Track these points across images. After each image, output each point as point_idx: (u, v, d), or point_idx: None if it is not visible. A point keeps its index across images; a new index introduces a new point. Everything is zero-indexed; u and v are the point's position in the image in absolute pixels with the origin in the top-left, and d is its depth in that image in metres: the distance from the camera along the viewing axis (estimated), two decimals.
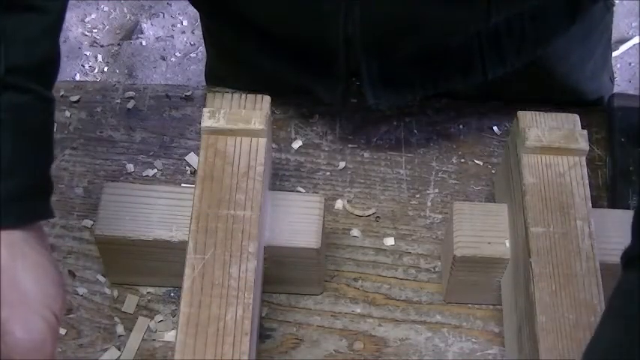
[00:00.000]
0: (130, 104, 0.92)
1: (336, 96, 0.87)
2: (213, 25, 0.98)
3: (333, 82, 0.86)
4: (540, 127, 0.77)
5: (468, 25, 0.80)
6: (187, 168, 0.88)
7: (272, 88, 0.87)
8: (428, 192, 0.88)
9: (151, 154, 0.89)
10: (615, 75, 1.13)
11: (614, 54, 2.03)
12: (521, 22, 0.83)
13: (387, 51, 0.82)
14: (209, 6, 0.89)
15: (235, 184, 0.73)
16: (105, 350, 0.77)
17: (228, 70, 1.02)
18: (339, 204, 0.86)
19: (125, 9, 2.14)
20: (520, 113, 0.78)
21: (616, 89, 1.02)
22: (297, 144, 0.90)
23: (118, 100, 0.93)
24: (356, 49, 0.81)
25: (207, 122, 0.75)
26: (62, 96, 0.92)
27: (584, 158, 0.76)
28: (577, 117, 0.79)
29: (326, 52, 0.83)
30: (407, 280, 0.82)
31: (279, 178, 0.88)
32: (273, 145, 0.88)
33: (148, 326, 0.78)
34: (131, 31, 2.10)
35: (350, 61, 0.83)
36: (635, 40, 2.10)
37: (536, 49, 0.87)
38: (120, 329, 0.78)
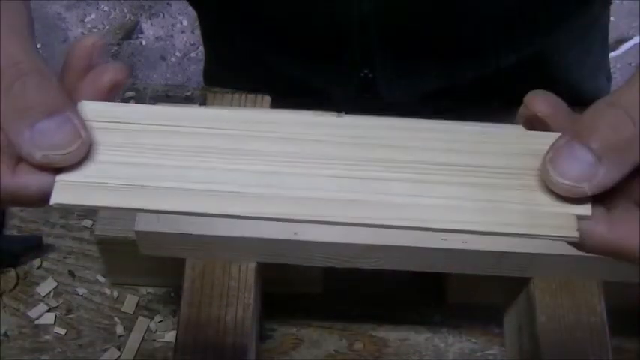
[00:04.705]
0: None
1: (350, 89, 0.86)
2: (216, 20, 0.97)
3: (346, 73, 0.84)
4: None
5: (481, 5, 0.79)
6: None
7: (271, 89, 0.87)
8: None
9: None
10: (615, 75, 1.13)
11: (614, 54, 2.03)
12: (533, 7, 0.83)
13: (402, 35, 0.80)
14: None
15: None
16: (105, 350, 0.77)
17: (226, 71, 1.02)
18: None
19: (125, 9, 2.14)
20: None
21: None
22: None
23: (118, 100, 0.93)
24: (370, 33, 0.79)
25: None
26: None
27: None
28: None
29: (339, 38, 0.81)
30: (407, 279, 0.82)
31: None
32: None
33: (148, 326, 0.78)
34: (131, 31, 2.10)
35: (363, 49, 0.81)
36: (635, 40, 2.10)
37: (547, 35, 0.87)
38: (120, 329, 0.78)
